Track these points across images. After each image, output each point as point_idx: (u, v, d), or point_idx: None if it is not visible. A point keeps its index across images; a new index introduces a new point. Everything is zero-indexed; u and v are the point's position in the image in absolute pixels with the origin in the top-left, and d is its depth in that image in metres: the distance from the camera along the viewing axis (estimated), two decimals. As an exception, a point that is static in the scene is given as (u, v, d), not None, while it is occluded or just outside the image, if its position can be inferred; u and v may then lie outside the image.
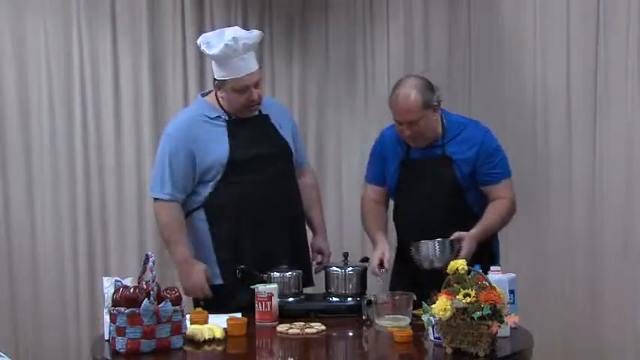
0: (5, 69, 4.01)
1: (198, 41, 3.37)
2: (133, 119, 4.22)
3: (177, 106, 4.31)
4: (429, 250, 3.18)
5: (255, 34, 3.39)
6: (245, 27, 4.40)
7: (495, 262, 3.26)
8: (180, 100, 4.31)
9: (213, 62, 3.35)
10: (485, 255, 3.24)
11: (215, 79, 3.37)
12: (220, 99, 3.39)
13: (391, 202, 3.56)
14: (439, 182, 3.32)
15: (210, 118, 3.38)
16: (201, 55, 4.34)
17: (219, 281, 3.40)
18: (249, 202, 3.35)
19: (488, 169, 3.31)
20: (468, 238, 3.19)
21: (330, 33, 4.43)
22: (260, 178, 3.36)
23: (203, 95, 3.52)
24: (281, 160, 3.44)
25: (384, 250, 3.32)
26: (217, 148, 3.34)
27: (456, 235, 3.19)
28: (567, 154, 3.98)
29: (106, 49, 4.15)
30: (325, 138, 4.46)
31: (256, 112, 3.41)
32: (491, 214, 3.29)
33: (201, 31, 4.32)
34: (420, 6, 4.29)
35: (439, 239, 3.18)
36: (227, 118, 3.38)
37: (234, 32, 3.33)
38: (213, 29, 4.33)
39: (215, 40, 3.30)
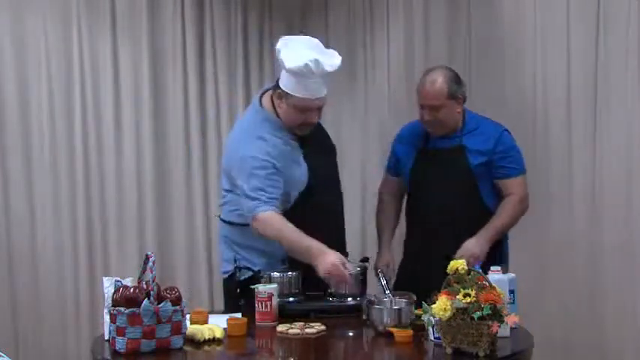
0: (5, 69, 4.01)
1: (279, 44, 3.21)
2: (133, 119, 4.22)
3: (177, 106, 4.31)
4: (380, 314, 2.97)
5: (337, 62, 3.24)
6: (245, 27, 4.43)
7: (504, 261, 3.39)
8: (180, 99, 4.31)
9: (283, 71, 3.19)
10: (497, 255, 3.37)
11: (279, 87, 3.23)
12: (277, 108, 3.26)
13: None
14: (451, 170, 3.42)
15: (284, 139, 3.25)
16: (201, 55, 4.35)
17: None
18: (323, 222, 3.27)
19: (504, 162, 3.42)
20: (475, 244, 3.26)
21: (330, 33, 4.43)
22: (330, 199, 3.36)
23: (260, 99, 3.39)
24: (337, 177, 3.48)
25: (389, 260, 3.50)
26: (296, 171, 3.25)
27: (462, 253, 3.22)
28: (567, 154, 3.98)
29: (106, 49, 4.15)
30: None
31: (307, 132, 3.29)
32: (499, 216, 3.40)
33: (201, 31, 4.33)
34: (420, 6, 4.30)
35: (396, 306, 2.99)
36: (296, 139, 3.27)
37: (318, 53, 3.18)
38: (213, 29, 4.35)
39: (296, 55, 3.14)
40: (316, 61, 3.13)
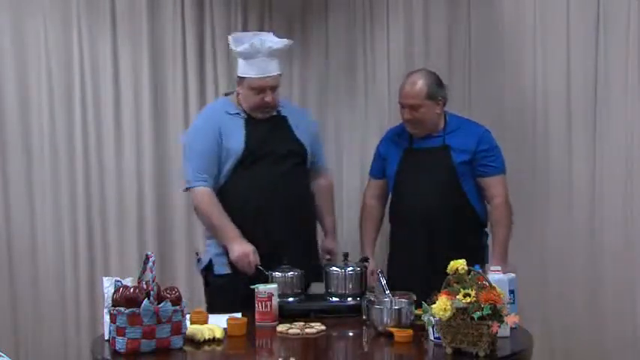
0: (5, 69, 4.01)
1: (229, 37, 3.55)
2: (133, 119, 4.22)
3: (177, 106, 4.31)
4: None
5: (283, 41, 3.53)
6: (245, 27, 4.43)
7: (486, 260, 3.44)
8: (180, 99, 4.30)
9: (238, 59, 3.50)
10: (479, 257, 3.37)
11: (238, 76, 3.53)
12: (240, 97, 3.53)
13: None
14: (436, 168, 3.51)
15: (230, 114, 3.52)
16: (201, 55, 4.35)
17: (227, 270, 3.46)
18: (257, 195, 3.45)
19: (486, 161, 3.50)
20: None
21: (330, 33, 4.43)
22: (270, 173, 3.47)
23: (226, 95, 3.69)
24: (293, 159, 3.55)
25: (374, 268, 3.49)
26: (234, 140, 3.47)
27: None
28: (567, 154, 3.98)
29: (106, 49, 4.15)
30: (325, 138, 4.44)
31: (269, 115, 3.53)
32: (500, 229, 3.48)
33: (201, 31, 4.33)
34: (420, 6, 4.29)
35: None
36: (245, 116, 3.52)
37: (263, 35, 3.53)
38: (213, 29, 4.35)
39: (244, 39, 3.48)
40: (260, 39, 3.45)
